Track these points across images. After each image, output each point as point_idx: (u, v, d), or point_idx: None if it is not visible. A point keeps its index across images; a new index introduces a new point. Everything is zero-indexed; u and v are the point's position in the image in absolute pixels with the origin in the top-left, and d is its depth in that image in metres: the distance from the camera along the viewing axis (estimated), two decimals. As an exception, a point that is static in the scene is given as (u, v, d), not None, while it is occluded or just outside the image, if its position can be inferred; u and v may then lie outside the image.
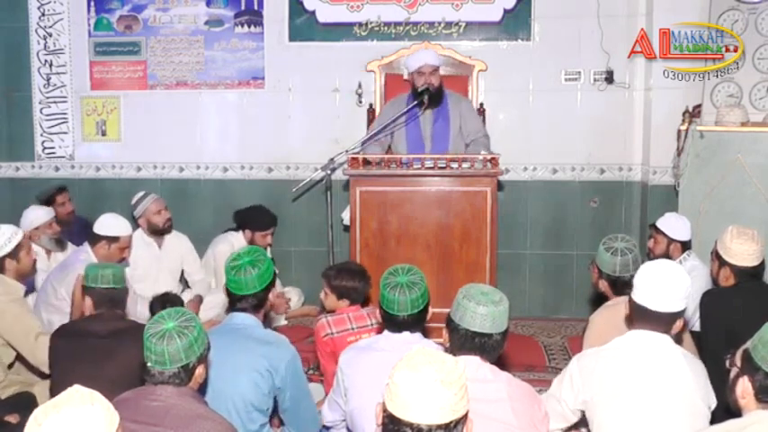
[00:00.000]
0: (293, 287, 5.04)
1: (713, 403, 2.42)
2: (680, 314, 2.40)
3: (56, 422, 1.46)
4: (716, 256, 3.19)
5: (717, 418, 2.32)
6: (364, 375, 2.49)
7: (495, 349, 2.23)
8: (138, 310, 3.80)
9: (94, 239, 3.86)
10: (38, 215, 4.16)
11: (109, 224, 3.89)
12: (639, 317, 2.41)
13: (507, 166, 4.86)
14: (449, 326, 2.26)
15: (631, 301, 2.44)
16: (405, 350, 2.47)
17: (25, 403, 3.02)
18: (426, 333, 2.72)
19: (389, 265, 3.69)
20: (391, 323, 2.56)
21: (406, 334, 2.57)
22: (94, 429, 1.48)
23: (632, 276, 2.62)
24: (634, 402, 2.32)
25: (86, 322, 2.91)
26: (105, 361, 2.63)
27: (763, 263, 3.12)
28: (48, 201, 4.72)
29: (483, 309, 2.18)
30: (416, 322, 2.57)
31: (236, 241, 4.69)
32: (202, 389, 2.29)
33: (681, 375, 2.35)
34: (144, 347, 2.05)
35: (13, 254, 3.27)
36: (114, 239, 3.87)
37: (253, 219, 4.74)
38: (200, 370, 2.11)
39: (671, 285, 2.37)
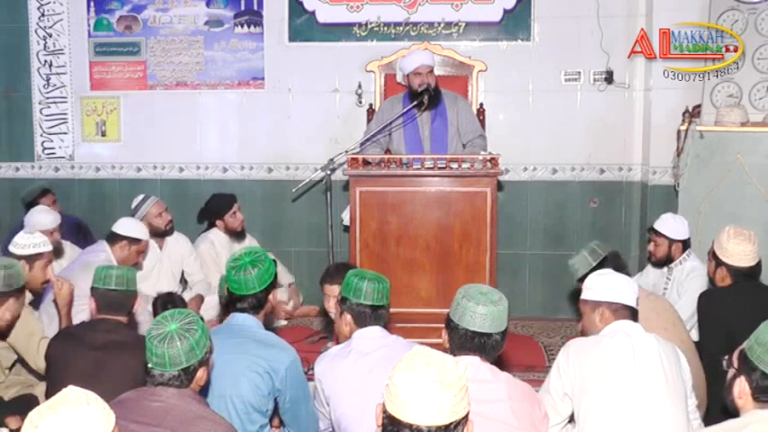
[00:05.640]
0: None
1: (689, 381, 2.50)
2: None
3: (52, 423, 1.46)
4: (712, 256, 3.20)
5: (714, 418, 2.33)
6: (343, 382, 2.51)
7: (494, 349, 2.24)
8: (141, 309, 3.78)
9: (114, 239, 3.86)
10: (43, 220, 4.00)
11: (131, 226, 3.92)
12: (621, 315, 2.52)
13: (507, 167, 4.87)
14: (448, 326, 2.27)
15: (611, 305, 2.54)
16: (378, 347, 2.54)
17: (27, 405, 3.02)
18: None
19: (389, 266, 3.77)
20: (361, 315, 2.62)
21: (375, 329, 2.61)
22: (91, 430, 1.48)
23: (605, 259, 3.14)
24: (616, 385, 2.36)
25: (84, 329, 2.87)
26: (95, 375, 2.56)
27: (759, 263, 3.13)
28: (31, 204, 4.57)
29: (482, 308, 2.19)
30: (382, 315, 2.65)
31: (214, 237, 4.71)
32: (204, 390, 2.29)
33: (656, 357, 2.41)
34: (146, 348, 2.06)
35: (30, 259, 3.30)
36: (136, 241, 3.89)
37: (214, 208, 4.74)
38: (200, 373, 2.11)
39: (631, 282, 2.60)
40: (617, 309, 2.52)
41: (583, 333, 2.66)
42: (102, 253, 3.84)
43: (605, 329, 2.50)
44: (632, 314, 2.54)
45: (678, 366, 2.46)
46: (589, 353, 2.45)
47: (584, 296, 2.62)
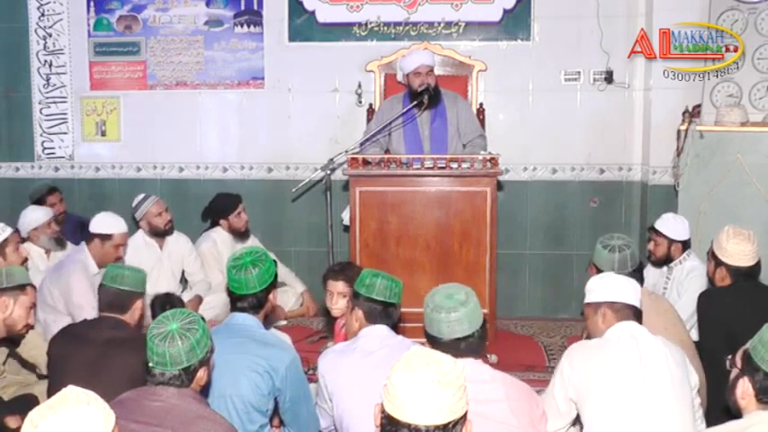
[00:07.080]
0: (290, 287, 5.02)
1: (695, 382, 2.50)
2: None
3: (52, 423, 1.46)
4: (712, 256, 3.20)
5: (715, 419, 2.32)
6: (347, 378, 2.52)
7: (480, 345, 2.24)
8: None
9: (89, 238, 3.87)
10: (36, 216, 4.13)
11: (102, 222, 3.89)
12: (624, 314, 2.50)
13: (507, 166, 4.86)
14: (429, 341, 2.24)
15: (612, 304, 2.52)
16: (382, 347, 2.53)
17: (27, 405, 3.01)
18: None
19: (389, 266, 3.77)
20: (372, 311, 2.63)
21: (382, 328, 2.61)
22: (91, 429, 1.48)
23: (630, 273, 2.81)
24: (622, 389, 2.35)
25: (86, 326, 2.88)
26: (98, 372, 2.56)
27: (758, 263, 3.13)
28: (38, 202, 4.70)
29: (454, 315, 2.18)
30: (392, 314, 2.66)
31: (217, 236, 4.71)
32: (204, 390, 2.29)
33: (663, 360, 2.39)
34: (147, 347, 2.06)
35: None
36: (107, 237, 3.85)
37: (219, 207, 4.75)
38: (201, 373, 2.11)
39: (633, 282, 2.58)
40: (618, 308, 2.50)
41: (588, 336, 2.65)
42: (80, 253, 3.84)
43: (609, 332, 2.48)
44: (636, 314, 2.52)
45: (685, 370, 2.44)
46: (593, 357, 2.43)
47: (586, 300, 2.61)
